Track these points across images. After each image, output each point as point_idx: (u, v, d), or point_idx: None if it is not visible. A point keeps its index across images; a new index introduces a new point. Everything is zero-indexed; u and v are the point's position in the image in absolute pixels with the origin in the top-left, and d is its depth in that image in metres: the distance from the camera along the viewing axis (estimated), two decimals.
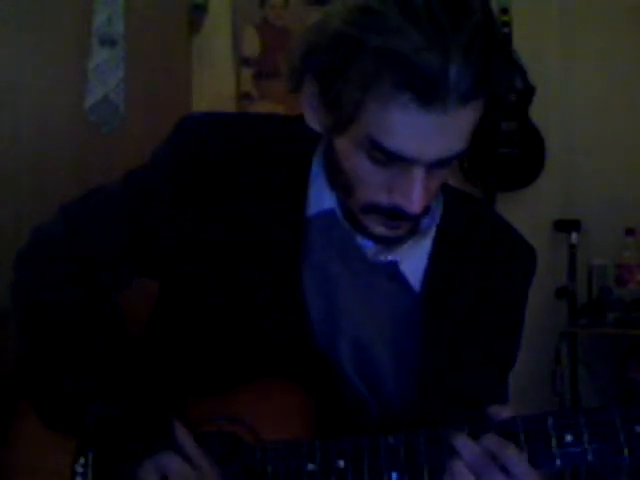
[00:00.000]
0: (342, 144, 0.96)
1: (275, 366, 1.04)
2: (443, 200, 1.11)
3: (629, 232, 2.94)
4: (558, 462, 0.86)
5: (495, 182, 3.02)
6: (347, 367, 1.09)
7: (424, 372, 1.06)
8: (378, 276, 1.08)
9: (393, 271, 1.08)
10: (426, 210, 1.00)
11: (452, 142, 0.92)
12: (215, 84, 2.82)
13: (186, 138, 1.10)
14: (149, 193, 1.11)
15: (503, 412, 0.92)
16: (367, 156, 0.94)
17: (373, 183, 0.96)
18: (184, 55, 2.60)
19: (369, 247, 1.06)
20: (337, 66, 0.91)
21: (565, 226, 3.06)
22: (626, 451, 0.84)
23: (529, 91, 2.94)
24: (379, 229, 1.00)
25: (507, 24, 3.01)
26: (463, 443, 0.89)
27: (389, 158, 0.92)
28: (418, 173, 0.92)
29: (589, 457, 0.85)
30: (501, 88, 0.92)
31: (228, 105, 2.81)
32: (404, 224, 0.99)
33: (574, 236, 3.04)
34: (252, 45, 2.92)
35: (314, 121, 1.00)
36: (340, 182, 1.01)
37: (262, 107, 2.82)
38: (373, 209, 0.98)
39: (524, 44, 2.84)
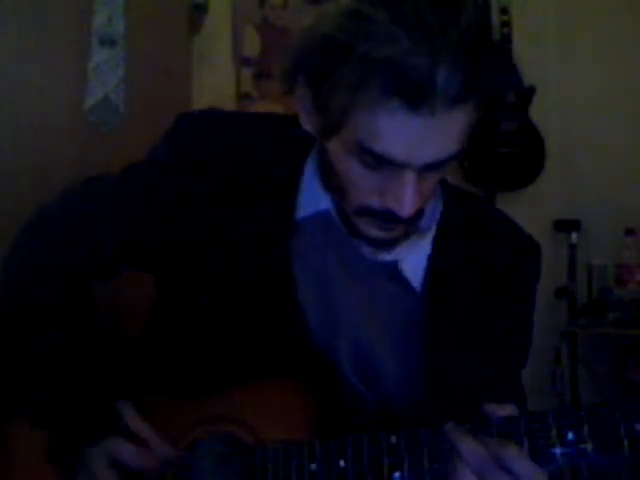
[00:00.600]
0: (334, 147, 0.96)
1: (274, 367, 1.04)
2: (443, 198, 1.11)
3: (629, 232, 2.93)
4: (559, 460, 0.86)
5: (495, 182, 3.02)
6: (346, 368, 1.09)
7: (428, 372, 1.06)
8: (378, 276, 1.08)
9: (393, 271, 1.07)
10: (419, 213, 1.00)
11: (442, 145, 0.91)
12: (215, 84, 2.81)
13: (183, 135, 1.10)
14: (145, 188, 1.11)
15: (499, 410, 0.90)
16: (358, 160, 0.93)
17: (365, 186, 0.95)
18: (184, 55, 2.60)
19: (366, 247, 1.05)
20: (326, 70, 0.90)
21: (565, 226, 3.06)
22: (626, 448, 0.84)
23: (529, 91, 2.95)
24: (374, 232, 1.00)
25: (507, 24, 3.00)
26: (466, 443, 0.89)
27: (379, 162, 0.92)
28: (409, 177, 0.92)
29: (590, 454, 0.85)
30: (494, 89, 0.91)
31: (228, 105, 2.81)
32: (399, 226, 0.99)
33: (574, 236, 3.03)
34: (252, 45, 2.92)
35: (307, 123, 1.00)
36: (334, 184, 1.01)
37: (262, 107, 2.82)
38: (366, 212, 0.97)
39: (524, 44, 2.87)
